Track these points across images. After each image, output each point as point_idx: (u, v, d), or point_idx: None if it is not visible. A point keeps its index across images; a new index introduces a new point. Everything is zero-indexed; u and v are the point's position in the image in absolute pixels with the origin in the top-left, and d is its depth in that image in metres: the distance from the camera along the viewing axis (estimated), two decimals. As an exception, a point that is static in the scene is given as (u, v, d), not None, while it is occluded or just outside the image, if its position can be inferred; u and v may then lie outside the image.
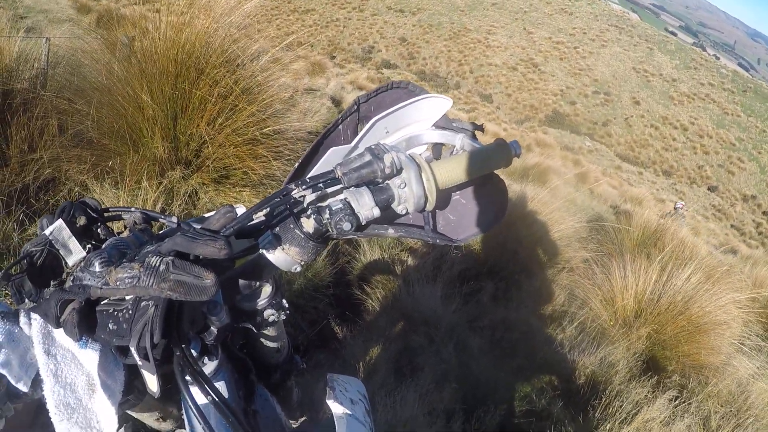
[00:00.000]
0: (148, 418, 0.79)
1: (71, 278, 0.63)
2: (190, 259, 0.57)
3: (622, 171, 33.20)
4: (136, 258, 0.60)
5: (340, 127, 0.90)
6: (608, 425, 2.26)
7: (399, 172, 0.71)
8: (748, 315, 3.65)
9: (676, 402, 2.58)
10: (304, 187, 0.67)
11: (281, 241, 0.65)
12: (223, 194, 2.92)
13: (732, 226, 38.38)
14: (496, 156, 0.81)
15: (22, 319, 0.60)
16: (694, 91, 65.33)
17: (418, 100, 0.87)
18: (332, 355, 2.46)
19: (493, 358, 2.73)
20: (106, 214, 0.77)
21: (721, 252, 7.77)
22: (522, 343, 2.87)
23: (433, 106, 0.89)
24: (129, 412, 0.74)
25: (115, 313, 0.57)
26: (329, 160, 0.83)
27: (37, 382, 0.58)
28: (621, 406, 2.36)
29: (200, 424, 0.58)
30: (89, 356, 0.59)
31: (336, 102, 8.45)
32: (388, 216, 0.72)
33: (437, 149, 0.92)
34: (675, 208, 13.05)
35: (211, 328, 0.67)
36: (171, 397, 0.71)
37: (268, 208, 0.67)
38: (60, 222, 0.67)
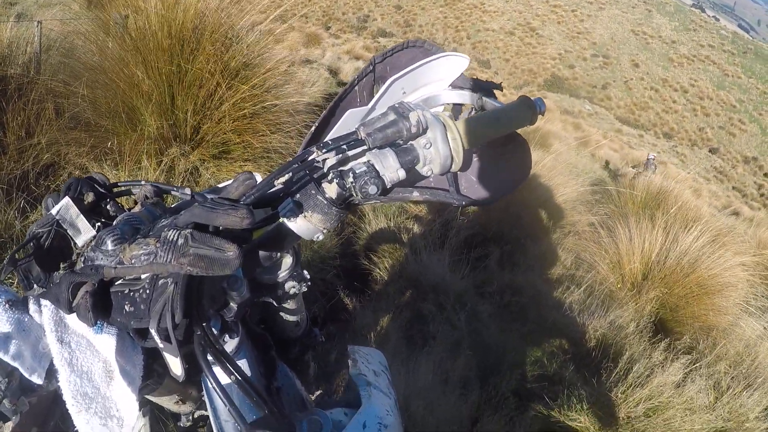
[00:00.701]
0: (168, 402, 0.76)
1: (82, 259, 0.60)
2: (209, 231, 0.53)
3: (622, 134, 32.97)
4: (151, 233, 0.56)
5: (356, 88, 0.86)
6: (621, 388, 2.27)
7: (424, 131, 0.66)
8: (753, 276, 3.65)
9: (687, 364, 2.59)
10: (325, 150, 0.63)
11: (303, 209, 0.61)
12: (224, 169, 2.88)
13: (734, 187, 38.40)
14: (521, 114, 0.78)
15: (32, 306, 0.56)
16: (693, 53, 64.21)
17: (434, 59, 0.83)
18: (343, 326, 2.45)
19: (502, 323, 2.73)
20: (115, 189, 0.72)
21: (723, 214, 7.76)
22: (531, 308, 2.87)
23: (450, 65, 0.85)
24: (147, 396, 0.71)
25: (132, 293, 0.54)
26: (346, 122, 0.80)
27: (51, 373, 0.55)
28: (633, 369, 2.37)
29: (225, 405, 0.55)
30: (105, 342, 0.56)
31: (333, 72, 8.31)
32: (410, 179, 0.69)
33: (456, 110, 0.88)
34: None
35: (231, 304, 0.64)
36: (190, 379, 0.68)
37: (288, 174, 0.63)
38: (67, 200, 0.63)
